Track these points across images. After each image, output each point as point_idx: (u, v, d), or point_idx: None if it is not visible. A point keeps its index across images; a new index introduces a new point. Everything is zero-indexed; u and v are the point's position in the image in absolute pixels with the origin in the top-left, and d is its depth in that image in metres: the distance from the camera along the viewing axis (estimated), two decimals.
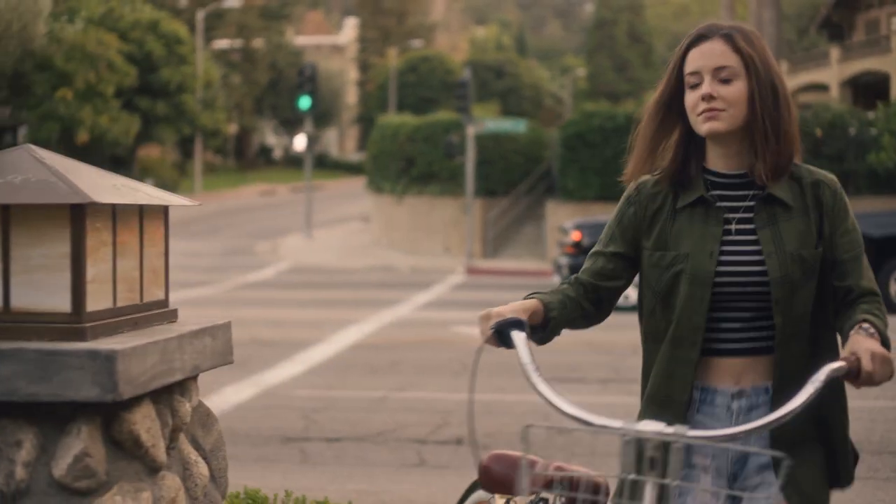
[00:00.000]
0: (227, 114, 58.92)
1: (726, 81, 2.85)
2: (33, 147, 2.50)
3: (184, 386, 2.64)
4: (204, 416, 2.80)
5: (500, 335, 2.71)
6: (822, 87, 39.87)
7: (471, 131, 27.94)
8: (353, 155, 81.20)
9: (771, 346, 2.88)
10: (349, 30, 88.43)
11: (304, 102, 34.64)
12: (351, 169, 72.98)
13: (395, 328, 15.50)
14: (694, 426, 2.85)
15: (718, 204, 2.92)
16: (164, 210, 2.66)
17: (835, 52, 38.54)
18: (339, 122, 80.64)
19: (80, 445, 2.32)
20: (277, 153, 79.77)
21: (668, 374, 2.90)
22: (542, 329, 2.91)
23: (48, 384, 2.29)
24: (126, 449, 2.42)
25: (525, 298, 2.92)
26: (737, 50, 2.87)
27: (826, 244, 2.90)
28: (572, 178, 26.78)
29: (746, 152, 2.91)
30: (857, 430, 3.01)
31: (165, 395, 2.56)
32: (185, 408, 2.62)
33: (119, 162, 52.07)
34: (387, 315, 16.99)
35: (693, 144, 2.96)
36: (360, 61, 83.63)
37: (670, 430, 2.35)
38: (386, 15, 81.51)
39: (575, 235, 18.84)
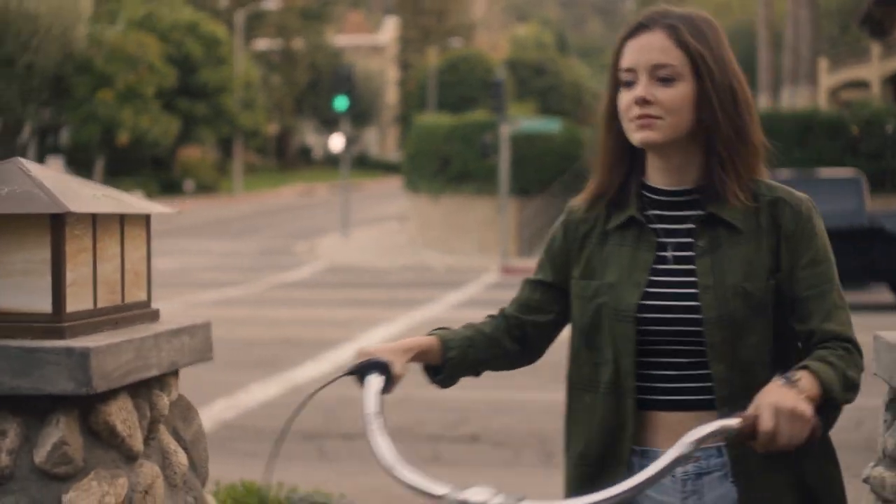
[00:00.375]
0: (267, 114, 59.37)
1: (666, 82, 2.38)
2: (21, 160, 2.72)
3: (162, 381, 2.86)
4: (185, 409, 3.01)
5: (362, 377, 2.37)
6: (863, 84, 39.78)
7: (505, 131, 28.12)
8: (392, 154, 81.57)
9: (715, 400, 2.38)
10: (389, 29, 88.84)
11: (341, 103, 34.93)
12: (390, 168, 73.37)
13: (425, 327, 15.66)
14: (639, 501, 2.40)
15: (653, 226, 2.46)
16: (145, 218, 2.88)
17: (876, 49, 38.45)
18: (379, 121, 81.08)
19: (59, 434, 2.54)
20: (318, 153, 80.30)
21: (602, 429, 2.45)
22: (442, 369, 2.54)
23: (29, 378, 2.51)
24: (103, 438, 2.64)
25: (429, 333, 2.56)
26: (682, 45, 2.38)
27: (784, 277, 2.39)
28: None
29: (691, 165, 2.44)
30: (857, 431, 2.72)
31: (143, 390, 2.78)
32: (164, 401, 2.83)
33: (160, 163, 52.64)
34: (418, 314, 17.20)
35: (635, 155, 2.50)
36: (400, 60, 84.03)
37: (498, 499, 1.97)
38: (426, 14, 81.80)
39: None
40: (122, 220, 2.78)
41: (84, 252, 2.64)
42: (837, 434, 2.49)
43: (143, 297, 2.89)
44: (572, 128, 33.69)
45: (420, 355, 2.50)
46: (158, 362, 2.73)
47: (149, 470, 2.75)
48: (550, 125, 31.01)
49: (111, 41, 42.63)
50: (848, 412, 2.45)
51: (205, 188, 53.63)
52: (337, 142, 36.00)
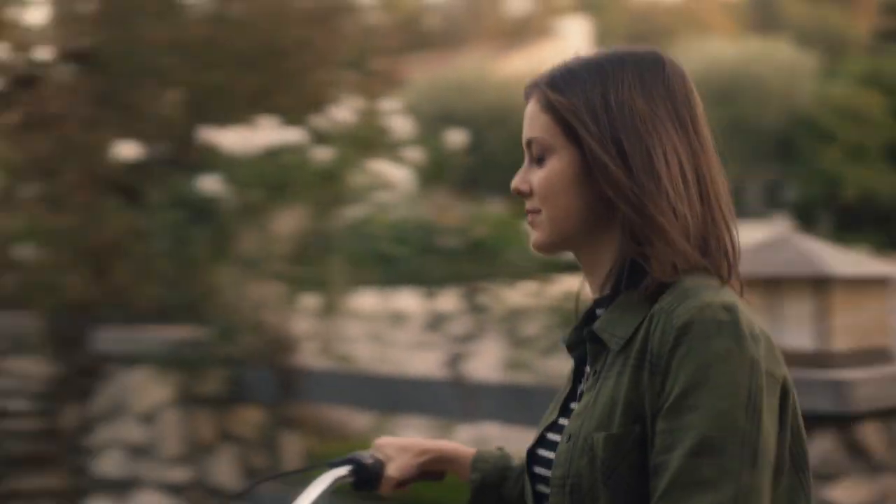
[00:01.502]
0: None
1: (540, 162, 1.69)
2: (796, 237, 3.64)
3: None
4: None
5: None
6: None
7: None
8: None
9: None
10: None
11: None
12: None
13: None
14: None
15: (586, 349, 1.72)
16: (882, 279, 3.68)
17: None
18: None
19: (822, 445, 3.36)
20: None
21: None
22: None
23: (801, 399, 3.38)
24: (856, 450, 3.44)
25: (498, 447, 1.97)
26: (548, 107, 1.67)
27: (650, 429, 1.55)
28: None
29: (602, 265, 1.69)
30: None
31: (889, 416, 3.55)
32: None
33: (888, 218, 52.09)
34: None
35: None
36: None
37: None
38: None
39: None
40: (866, 280, 3.58)
41: (840, 305, 3.47)
42: None
43: (883, 341, 3.67)
44: None
45: (442, 462, 1.93)
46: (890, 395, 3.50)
47: (890, 482, 3.51)
48: None
49: (836, 98, 43.28)
50: None
51: None
52: None
